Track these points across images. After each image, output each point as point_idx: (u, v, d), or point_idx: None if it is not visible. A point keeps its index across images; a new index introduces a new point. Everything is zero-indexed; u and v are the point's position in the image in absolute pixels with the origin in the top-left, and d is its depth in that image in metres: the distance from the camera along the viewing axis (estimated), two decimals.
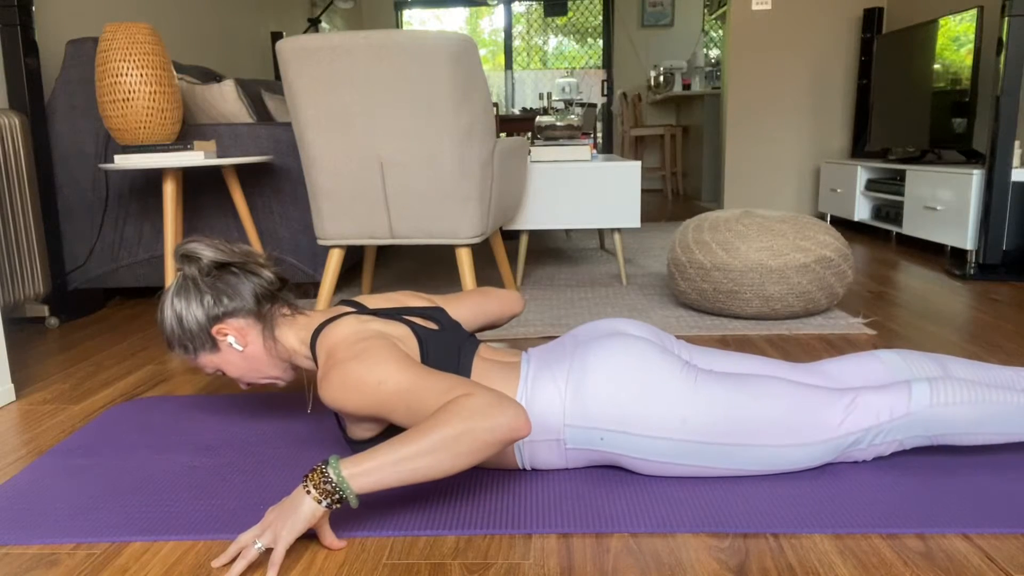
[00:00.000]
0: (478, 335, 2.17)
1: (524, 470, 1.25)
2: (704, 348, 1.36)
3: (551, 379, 1.18)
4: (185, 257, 1.25)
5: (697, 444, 1.14)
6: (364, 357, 1.09)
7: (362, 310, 1.29)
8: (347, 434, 1.23)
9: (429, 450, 0.96)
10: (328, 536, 1.03)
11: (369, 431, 1.18)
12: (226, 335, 1.25)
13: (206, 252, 1.25)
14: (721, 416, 1.13)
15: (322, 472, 0.97)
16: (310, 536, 1.06)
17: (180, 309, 1.24)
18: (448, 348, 1.22)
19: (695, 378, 1.16)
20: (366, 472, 0.96)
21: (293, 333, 1.27)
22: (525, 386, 1.18)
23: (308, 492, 0.97)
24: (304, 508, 0.97)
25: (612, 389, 1.14)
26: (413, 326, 1.23)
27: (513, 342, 2.07)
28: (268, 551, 1.03)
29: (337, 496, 0.97)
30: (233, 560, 0.99)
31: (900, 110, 3.81)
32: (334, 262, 2.17)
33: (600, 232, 3.75)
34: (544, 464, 1.22)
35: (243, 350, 1.26)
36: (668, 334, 1.37)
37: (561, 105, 3.46)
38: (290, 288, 1.33)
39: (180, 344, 1.27)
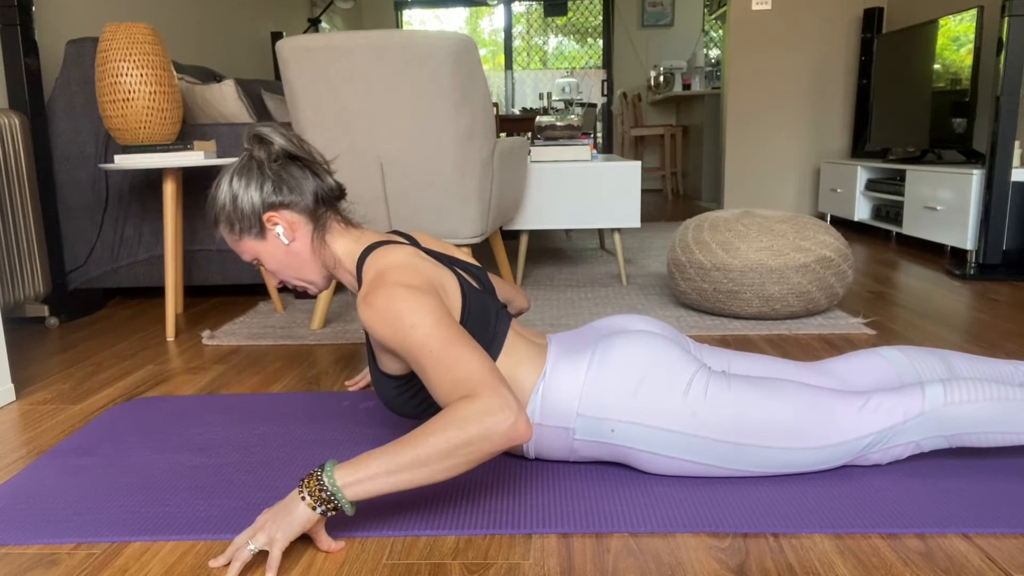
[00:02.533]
0: None
1: (527, 458, 1.25)
2: (717, 349, 1.37)
3: (571, 367, 1.18)
4: (257, 138, 1.22)
5: (706, 440, 1.14)
6: (413, 294, 1.07)
7: (415, 244, 1.28)
8: (377, 365, 1.21)
9: (425, 461, 0.96)
10: (324, 540, 1.02)
11: (394, 365, 1.16)
12: (276, 224, 1.22)
13: (278, 139, 1.22)
14: (732, 414, 1.13)
15: (317, 479, 0.97)
16: (309, 537, 1.06)
17: (238, 188, 1.21)
18: (487, 311, 1.21)
19: (708, 376, 1.16)
20: (360, 481, 0.96)
21: (342, 244, 1.24)
22: (547, 370, 1.18)
23: (303, 498, 0.97)
24: (298, 513, 0.97)
25: (628, 381, 1.15)
26: (461, 279, 1.21)
27: None
28: (263, 552, 1.03)
29: (332, 504, 0.96)
30: (231, 561, 0.99)
31: (900, 110, 3.82)
32: None
33: (600, 232, 3.75)
34: (549, 453, 1.22)
35: (288, 244, 1.23)
36: (684, 335, 1.38)
37: (561, 105, 3.46)
38: (347, 202, 1.30)
39: (227, 221, 1.23)
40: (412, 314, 1.05)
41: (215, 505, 1.16)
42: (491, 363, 1.04)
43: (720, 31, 6.34)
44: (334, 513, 0.98)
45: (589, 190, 2.70)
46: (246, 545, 0.97)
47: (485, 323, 1.19)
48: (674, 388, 1.14)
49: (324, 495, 0.96)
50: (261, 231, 1.23)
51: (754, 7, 4.52)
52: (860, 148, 4.48)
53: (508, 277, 2.67)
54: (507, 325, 1.22)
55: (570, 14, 7.78)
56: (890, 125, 3.93)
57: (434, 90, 1.93)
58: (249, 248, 1.25)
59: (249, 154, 1.23)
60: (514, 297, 1.51)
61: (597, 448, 1.19)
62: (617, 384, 1.15)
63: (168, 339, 2.20)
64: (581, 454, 1.21)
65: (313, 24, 5.40)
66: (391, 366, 1.17)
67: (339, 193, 1.29)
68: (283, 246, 1.23)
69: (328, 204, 1.26)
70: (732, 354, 1.36)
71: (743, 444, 1.14)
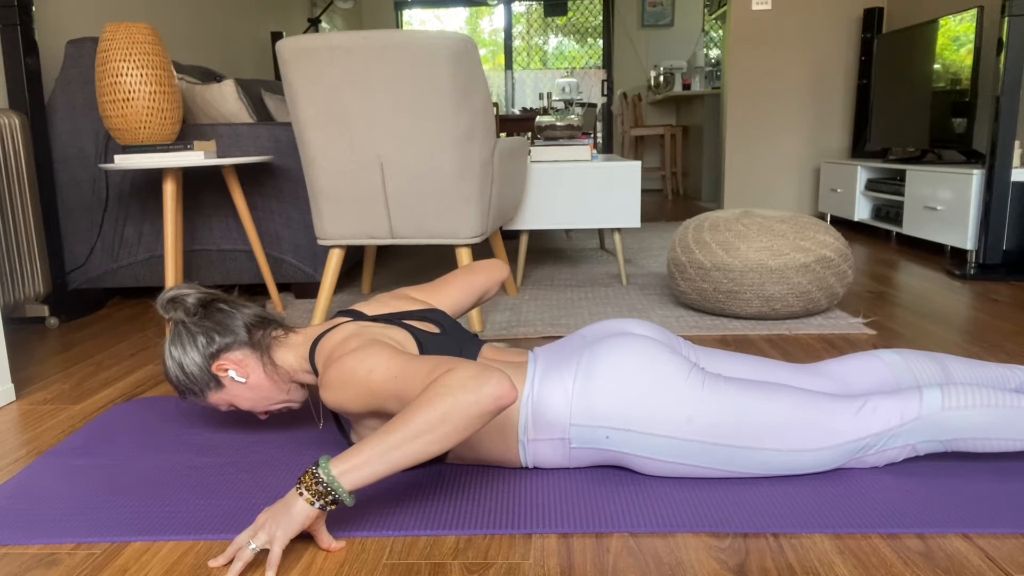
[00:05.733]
0: (482, 336, 2.17)
1: (526, 468, 1.25)
2: (710, 350, 1.37)
3: (559, 379, 1.18)
4: (170, 302, 1.28)
5: (702, 444, 1.14)
6: (357, 351, 1.11)
7: (360, 317, 1.30)
8: (351, 440, 1.24)
9: (416, 434, 0.96)
10: (324, 538, 1.02)
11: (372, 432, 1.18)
12: (226, 370, 1.26)
13: (188, 293, 1.28)
14: (728, 418, 1.13)
15: (313, 474, 0.97)
16: (309, 537, 1.06)
17: (179, 357, 1.26)
18: (448, 351, 1.23)
19: (702, 379, 1.16)
20: (355, 468, 0.96)
21: (291, 352, 1.29)
22: (532, 386, 1.18)
23: (301, 494, 0.97)
24: (297, 510, 0.97)
25: (619, 388, 1.14)
26: (413, 330, 1.24)
27: (514, 342, 2.07)
28: (264, 552, 1.03)
29: (330, 497, 0.96)
30: (231, 561, 0.99)
31: (900, 110, 3.82)
32: (334, 262, 2.17)
33: (600, 232, 3.75)
34: (547, 463, 1.22)
35: (246, 381, 1.27)
36: (676, 336, 1.37)
37: (561, 105, 3.46)
38: (275, 312, 1.35)
39: (188, 390, 1.29)
40: (364, 363, 1.09)
41: (215, 505, 1.16)
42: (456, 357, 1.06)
43: (720, 31, 6.34)
44: (334, 507, 0.98)
45: (589, 190, 2.70)
46: (247, 544, 0.97)
47: None
48: (666, 392, 1.14)
49: (321, 488, 0.96)
50: (218, 383, 1.28)
51: (754, 7, 4.52)
52: (860, 148, 4.48)
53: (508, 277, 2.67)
54: (475, 356, 1.25)
55: (570, 14, 7.78)
56: (890, 125, 3.93)
57: (434, 90, 1.93)
58: (218, 400, 1.30)
59: (172, 321, 1.28)
60: (489, 275, 1.52)
61: (594, 454, 1.19)
62: (607, 392, 1.15)
63: None
64: (579, 460, 1.21)
65: (313, 24, 5.40)
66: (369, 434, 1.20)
67: (263, 311, 1.34)
68: (243, 385, 1.28)
69: (262, 326, 1.30)
70: (727, 356, 1.35)
71: (740, 447, 1.14)
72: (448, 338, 1.25)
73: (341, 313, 1.35)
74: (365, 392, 1.09)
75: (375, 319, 1.28)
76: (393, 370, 1.07)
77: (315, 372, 1.25)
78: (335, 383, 1.11)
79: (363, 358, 1.10)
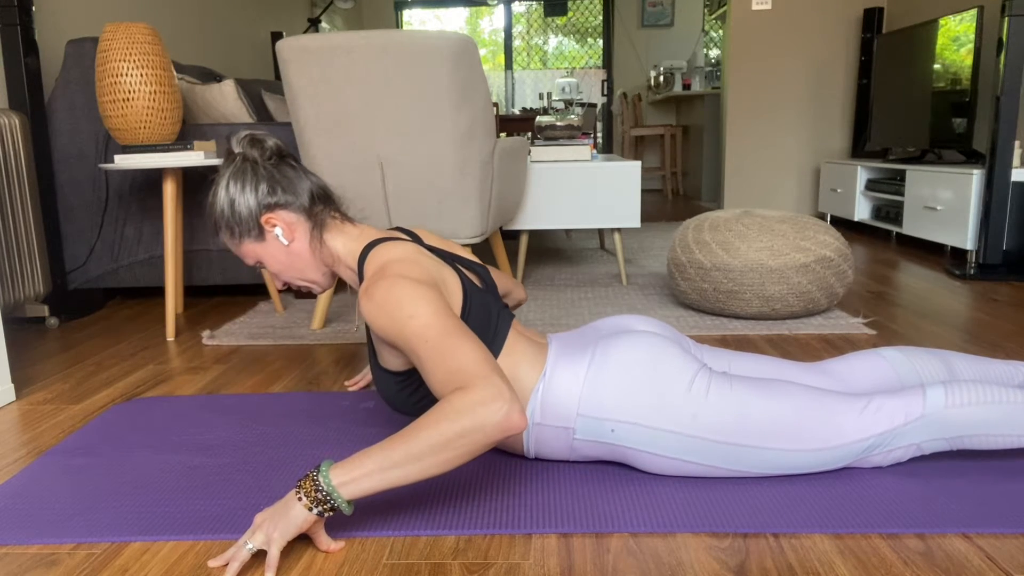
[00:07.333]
0: None
1: (527, 457, 1.25)
2: (717, 349, 1.37)
3: (571, 367, 1.18)
4: (250, 139, 1.24)
5: (706, 442, 1.14)
6: (413, 285, 1.08)
7: (418, 241, 1.28)
8: (377, 360, 1.21)
9: (419, 455, 0.95)
10: (323, 540, 1.02)
11: (395, 361, 1.16)
12: (274, 226, 1.23)
13: (270, 140, 1.24)
14: (733, 416, 1.13)
15: (313, 480, 0.96)
16: (308, 537, 1.06)
17: (234, 193, 1.22)
18: (488, 310, 1.21)
19: (710, 377, 1.16)
20: (355, 480, 0.95)
21: (342, 241, 1.25)
22: (547, 370, 1.18)
23: (300, 499, 0.97)
24: (295, 513, 0.96)
25: (629, 382, 1.15)
26: (463, 277, 1.21)
27: None
28: (263, 552, 1.03)
29: (329, 505, 0.96)
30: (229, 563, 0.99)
31: (900, 110, 3.82)
32: None
33: (600, 232, 3.75)
34: (549, 452, 1.22)
35: (288, 245, 1.24)
36: (685, 336, 1.37)
37: (561, 105, 3.47)
38: (339, 195, 1.31)
39: (227, 227, 1.25)
40: (411, 304, 1.05)
41: (215, 505, 1.16)
42: (487, 354, 1.03)
43: (720, 31, 6.34)
44: (331, 514, 0.98)
45: (589, 190, 2.70)
46: (244, 545, 0.97)
47: (486, 321, 1.19)
48: (674, 389, 1.14)
49: (320, 496, 0.96)
50: (260, 233, 1.24)
51: (754, 7, 4.52)
52: (860, 148, 4.48)
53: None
54: (508, 324, 1.22)
55: (570, 14, 7.78)
56: (890, 125, 3.93)
57: (434, 90, 1.93)
58: (250, 252, 1.26)
59: (243, 156, 1.24)
60: (512, 289, 1.52)
61: (597, 448, 1.19)
62: (617, 385, 1.15)
63: (168, 339, 2.20)
64: (581, 453, 1.21)
65: (313, 24, 5.40)
66: (392, 362, 1.17)
67: (331, 189, 1.31)
68: (283, 247, 1.25)
69: (324, 202, 1.27)
70: (733, 354, 1.36)
71: (743, 445, 1.14)
72: (489, 297, 1.24)
73: (400, 229, 1.32)
74: (397, 330, 1.06)
75: (431, 249, 1.26)
76: (429, 333, 1.03)
77: (359, 273, 1.21)
78: (377, 299, 1.07)
79: (413, 296, 1.06)
